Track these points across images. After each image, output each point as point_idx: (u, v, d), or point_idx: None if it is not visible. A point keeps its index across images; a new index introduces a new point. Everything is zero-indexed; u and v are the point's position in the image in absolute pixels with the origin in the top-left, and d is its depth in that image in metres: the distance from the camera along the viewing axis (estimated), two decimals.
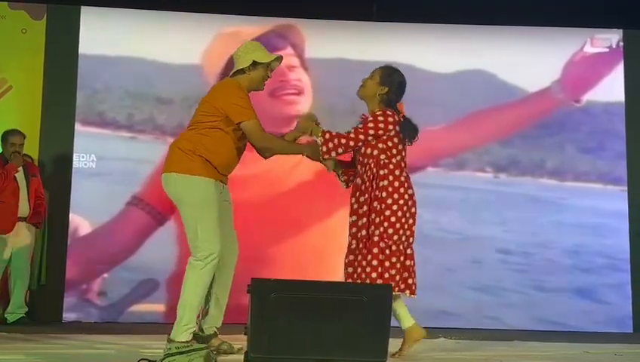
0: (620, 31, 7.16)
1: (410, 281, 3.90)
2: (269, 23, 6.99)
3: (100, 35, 6.75)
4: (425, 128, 6.96)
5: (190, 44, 6.81)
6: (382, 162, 3.90)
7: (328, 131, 3.89)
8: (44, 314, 6.19)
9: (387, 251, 3.81)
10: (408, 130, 3.97)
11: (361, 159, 3.99)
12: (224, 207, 3.89)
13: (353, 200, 3.98)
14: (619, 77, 7.11)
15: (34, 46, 6.64)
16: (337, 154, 3.90)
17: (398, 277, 3.83)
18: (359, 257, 3.86)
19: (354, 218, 3.95)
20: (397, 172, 3.90)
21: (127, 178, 6.62)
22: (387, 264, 3.81)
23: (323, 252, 6.48)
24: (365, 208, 3.89)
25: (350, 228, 3.98)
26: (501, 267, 6.86)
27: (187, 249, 3.73)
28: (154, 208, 6.57)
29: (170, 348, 3.26)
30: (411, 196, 3.92)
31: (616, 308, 6.83)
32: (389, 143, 3.92)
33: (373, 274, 3.78)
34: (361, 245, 3.88)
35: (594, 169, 7.06)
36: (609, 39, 7.14)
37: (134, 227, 6.59)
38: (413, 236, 3.93)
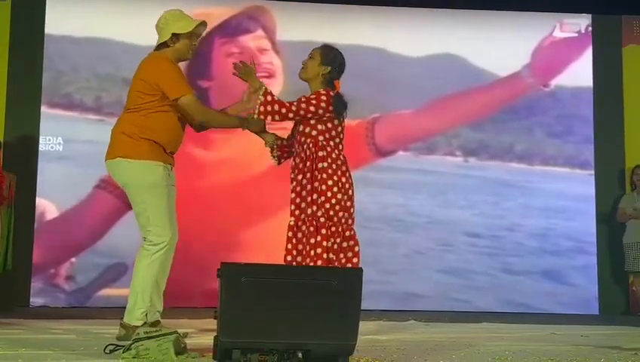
0: (589, 16, 7.22)
1: (355, 260, 3.87)
2: (239, 4, 6.93)
3: (66, 16, 6.63)
4: (395, 112, 7.14)
5: None
6: (320, 143, 3.85)
7: (271, 93, 3.81)
8: (11, 300, 6.10)
9: (328, 232, 3.79)
10: (338, 106, 3.90)
11: (298, 138, 3.93)
12: (171, 191, 3.82)
13: (293, 181, 3.92)
14: (587, 62, 7.18)
15: None
16: (272, 120, 3.82)
17: (342, 258, 3.83)
18: (305, 238, 3.82)
19: (297, 200, 3.88)
20: (334, 154, 3.86)
21: (95, 161, 6.36)
22: (328, 245, 3.78)
23: None
24: (309, 188, 3.83)
25: (292, 206, 3.91)
26: (470, 250, 6.93)
27: None
28: (122, 191, 6.47)
29: (138, 333, 3.22)
30: (348, 178, 3.89)
31: (582, 290, 6.94)
32: (329, 125, 3.88)
33: (323, 256, 3.74)
34: (304, 227, 3.83)
35: (561, 153, 7.14)
36: (578, 24, 7.20)
37: (102, 211, 6.51)
38: (352, 219, 3.90)
